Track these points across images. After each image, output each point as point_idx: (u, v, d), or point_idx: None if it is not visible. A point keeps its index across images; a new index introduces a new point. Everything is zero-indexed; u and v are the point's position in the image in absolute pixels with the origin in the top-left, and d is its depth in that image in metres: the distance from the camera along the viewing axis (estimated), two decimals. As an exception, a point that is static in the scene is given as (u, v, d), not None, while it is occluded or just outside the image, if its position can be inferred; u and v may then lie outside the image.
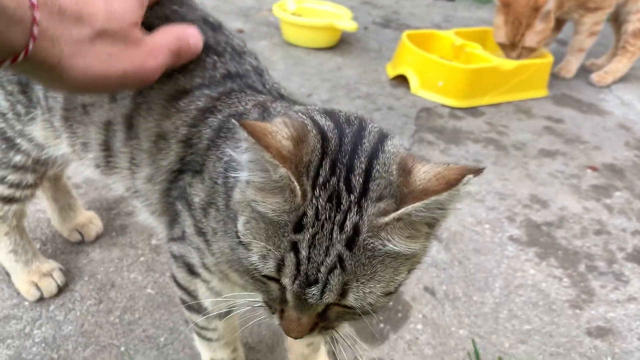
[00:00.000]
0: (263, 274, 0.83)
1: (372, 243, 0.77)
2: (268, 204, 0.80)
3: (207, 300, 1.25)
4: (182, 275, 1.26)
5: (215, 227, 1.09)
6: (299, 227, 0.78)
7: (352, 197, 0.78)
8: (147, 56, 0.96)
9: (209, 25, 1.20)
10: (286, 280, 0.81)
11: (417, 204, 0.74)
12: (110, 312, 1.75)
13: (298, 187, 0.77)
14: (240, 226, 0.86)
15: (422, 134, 3.00)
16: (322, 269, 0.78)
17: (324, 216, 0.77)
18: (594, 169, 2.89)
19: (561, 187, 2.70)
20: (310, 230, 0.78)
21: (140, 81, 0.99)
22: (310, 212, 0.77)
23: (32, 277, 1.73)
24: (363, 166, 0.80)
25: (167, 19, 1.13)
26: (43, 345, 1.61)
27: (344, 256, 0.77)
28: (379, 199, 0.78)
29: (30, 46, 0.77)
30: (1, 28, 0.72)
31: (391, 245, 0.78)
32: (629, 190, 2.75)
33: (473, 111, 3.35)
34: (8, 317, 1.69)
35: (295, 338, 0.88)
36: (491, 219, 2.40)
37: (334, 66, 3.79)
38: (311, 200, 0.78)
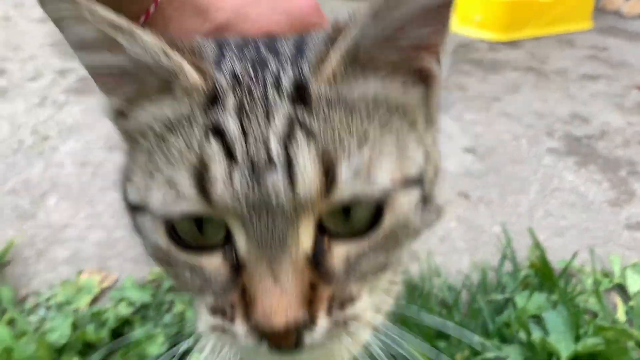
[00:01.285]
0: (175, 210, 0.50)
1: (332, 91, 0.51)
2: (156, 111, 0.54)
3: None
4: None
5: None
6: (210, 104, 0.51)
7: (276, 58, 0.55)
8: None
9: None
10: (217, 186, 0.48)
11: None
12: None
13: (191, 67, 0.51)
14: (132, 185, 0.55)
15: (459, 66, 3.00)
16: (272, 138, 0.48)
17: (245, 78, 0.52)
18: (640, 88, 2.82)
19: (604, 105, 2.65)
20: (229, 99, 0.51)
21: None
22: (223, 82, 0.52)
23: None
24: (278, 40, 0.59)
25: None
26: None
27: (299, 114, 0.50)
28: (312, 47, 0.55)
29: (151, 9, 0.71)
30: None
31: (359, 89, 0.53)
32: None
33: (512, 44, 3.31)
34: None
35: (279, 325, 0.48)
36: (529, 134, 2.39)
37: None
38: (219, 74, 0.52)
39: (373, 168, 0.50)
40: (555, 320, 1.37)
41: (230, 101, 0.50)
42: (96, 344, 1.38)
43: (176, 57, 0.50)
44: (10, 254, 1.76)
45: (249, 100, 0.50)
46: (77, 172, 2.13)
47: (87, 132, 2.38)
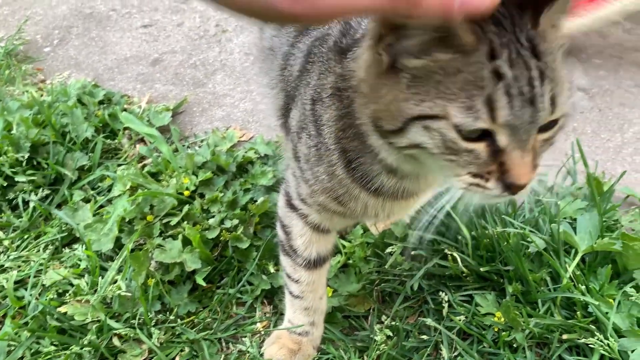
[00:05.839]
0: (475, 127, 0.77)
1: (548, 48, 0.78)
2: (445, 59, 0.77)
3: (298, 240, 1.27)
4: (281, 204, 1.30)
5: (307, 152, 1.09)
6: (492, 56, 0.75)
7: (509, 20, 0.77)
8: None
9: None
10: (504, 113, 0.75)
11: None
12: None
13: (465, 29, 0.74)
14: (426, 105, 0.79)
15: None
16: (535, 82, 0.75)
17: (504, 39, 0.75)
18: None
19: None
20: (504, 53, 0.75)
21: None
22: (496, 41, 0.75)
23: None
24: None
25: None
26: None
27: (541, 65, 0.76)
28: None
29: None
30: None
31: (554, 43, 0.80)
32: None
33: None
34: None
35: (526, 183, 0.81)
36: (654, 85, 2.42)
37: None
38: (485, 34, 0.75)
39: (565, 98, 0.79)
40: (585, 222, 1.58)
41: (504, 55, 0.75)
42: (225, 169, 1.90)
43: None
44: (183, 107, 2.36)
45: (513, 54, 0.75)
46: (241, 58, 2.66)
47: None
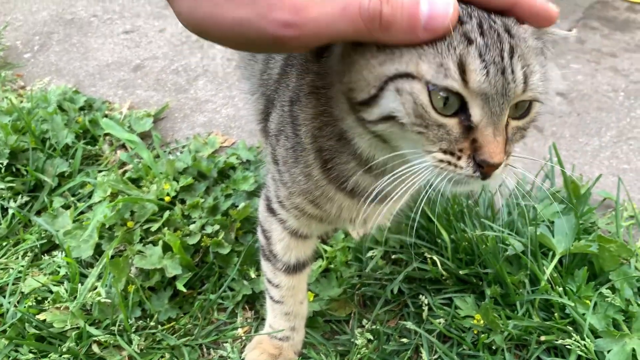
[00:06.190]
0: (444, 85, 0.77)
1: (521, 31, 0.82)
2: None
3: (277, 245, 1.28)
4: (261, 209, 1.31)
5: (284, 154, 1.10)
6: (460, 21, 0.78)
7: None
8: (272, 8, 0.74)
9: None
10: (476, 77, 0.76)
11: None
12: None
13: None
14: (398, 62, 0.80)
15: (587, 21, 3.05)
16: (505, 54, 0.78)
17: (473, 12, 0.80)
18: None
19: None
20: (473, 22, 0.78)
21: (264, 36, 0.76)
22: (463, 11, 0.80)
23: None
24: None
25: None
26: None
27: (512, 42, 0.79)
28: None
29: None
30: None
31: (532, 39, 0.84)
32: None
33: (657, 7, 3.23)
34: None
35: (499, 163, 0.81)
36: (630, 89, 2.47)
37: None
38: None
39: (540, 79, 0.81)
40: (562, 225, 1.60)
41: (474, 22, 0.78)
42: (206, 175, 1.90)
43: None
44: (165, 112, 2.35)
45: (484, 23, 0.78)
46: (224, 64, 2.67)
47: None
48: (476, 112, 0.80)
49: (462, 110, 0.80)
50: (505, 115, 0.81)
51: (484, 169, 0.81)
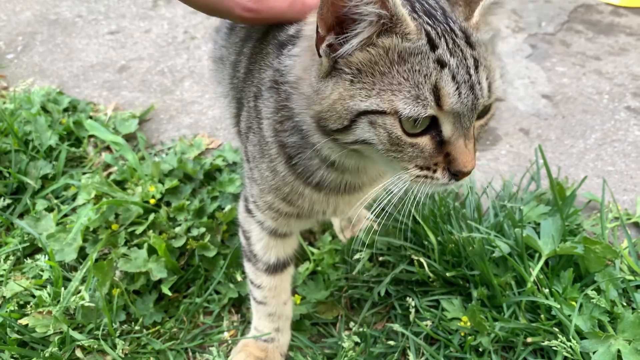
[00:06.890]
0: (422, 117, 0.81)
1: (478, 37, 0.85)
2: (388, 49, 0.82)
3: (257, 245, 1.29)
4: (241, 210, 1.32)
5: (252, 150, 1.12)
6: (432, 46, 0.81)
7: (440, 12, 0.86)
8: None
9: None
10: (451, 100, 0.80)
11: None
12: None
13: (407, 18, 0.81)
14: (373, 99, 0.83)
15: (572, 24, 3.07)
16: (471, 70, 0.82)
17: (439, 29, 0.83)
18: None
19: None
20: (443, 44, 0.82)
21: (231, 13, 1.05)
22: (432, 32, 0.82)
23: None
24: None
25: None
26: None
27: (475, 54, 0.83)
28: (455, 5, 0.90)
29: None
30: None
31: (485, 35, 0.87)
32: None
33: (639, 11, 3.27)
34: (193, 101, 2.36)
35: (472, 169, 0.87)
36: (614, 92, 2.49)
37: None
38: (422, 24, 0.83)
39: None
40: (548, 226, 1.61)
41: (444, 44, 0.81)
42: (192, 177, 1.88)
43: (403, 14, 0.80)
44: (150, 114, 2.33)
45: (450, 44, 0.82)
46: (210, 65, 2.64)
47: (225, 38, 2.89)
48: (447, 129, 0.84)
49: (433, 126, 0.85)
50: (474, 124, 0.87)
51: (459, 177, 0.88)
